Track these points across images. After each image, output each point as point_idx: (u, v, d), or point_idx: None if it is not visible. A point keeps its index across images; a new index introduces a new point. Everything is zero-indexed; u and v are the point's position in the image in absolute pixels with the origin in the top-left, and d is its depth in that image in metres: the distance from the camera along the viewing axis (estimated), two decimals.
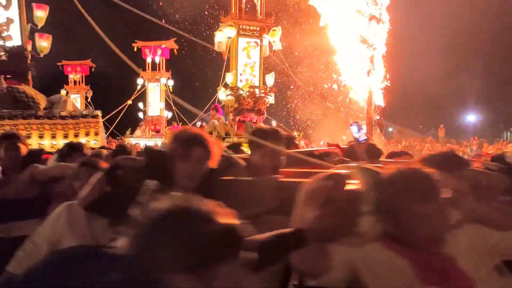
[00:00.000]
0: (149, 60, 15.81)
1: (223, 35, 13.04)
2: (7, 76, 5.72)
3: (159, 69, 16.36)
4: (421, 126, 22.20)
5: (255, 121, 12.74)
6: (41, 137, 5.42)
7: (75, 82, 17.55)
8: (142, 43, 16.21)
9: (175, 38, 16.21)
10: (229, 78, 13.01)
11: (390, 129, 18.07)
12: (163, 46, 16.11)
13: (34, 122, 5.29)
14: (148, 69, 16.09)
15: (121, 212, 1.75)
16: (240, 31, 13.01)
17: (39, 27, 6.64)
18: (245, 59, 13.29)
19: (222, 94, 13.20)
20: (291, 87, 14.20)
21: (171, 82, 16.35)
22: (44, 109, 5.81)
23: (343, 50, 11.88)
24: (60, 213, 2.26)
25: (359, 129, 3.19)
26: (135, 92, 16.89)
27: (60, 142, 5.59)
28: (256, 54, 13.32)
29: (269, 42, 13.32)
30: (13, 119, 5.12)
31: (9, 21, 6.42)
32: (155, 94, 16.05)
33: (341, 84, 12.46)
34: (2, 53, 5.94)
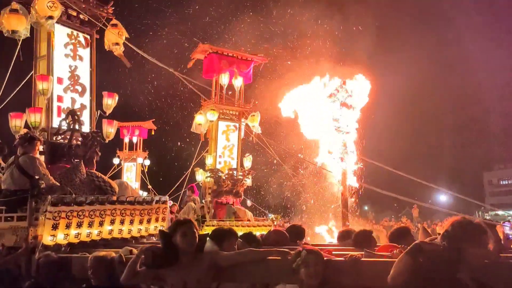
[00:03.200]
0: (126, 140, 15.98)
1: (203, 118, 13.63)
2: (76, 160, 5.91)
3: (136, 149, 16.51)
4: (395, 205, 23.19)
5: (232, 202, 12.94)
6: (112, 222, 5.49)
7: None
8: (121, 123, 15.98)
9: (153, 119, 16.71)
10: (208, 160, 13.38)
11: (366, 208, 18.87)
12: (141, 126, 16.51)
13: (109, 207, 5.37)
14: (125, 149, 16.20)
15: None
16: (220, 115, 13.65)
17: (107, 113, 6.95)
18: (224, 142, 13.67)
19: (200, 176, 13.45)
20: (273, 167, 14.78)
21: (147, 162, 16.49)
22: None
23: (317, 134, 12.75)
24: None
25: None
26: (111, 170, 16.26)
27: (127, 228, 5.72)
28: (234, 137, 13.79)
29: (248, 126, 14.04)
30: (92, 205, 5.19)
31: (83, 107, 6.79)
32: (131, 174, 16.05)
33: (317, 165, 13.16)
34: (79, 138, 6.16)
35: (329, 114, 12.93)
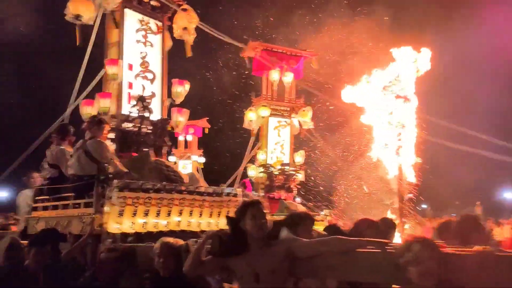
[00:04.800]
0: (181, 138, 16.11)
1: (254, 114, 13.54)
2: (144, 149, 5.81)
3: (190, 147, 16.68)
4: (457, 203, 22.05)
5: (283, 198, 12.84)
6: (180, 213, 5.32)
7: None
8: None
9: (207, 118, 16.70)
10: (261, 155, 13.28)
11: (425, 206, 18.08)
12: (196, 125, 16.38)
13: (177, 197, 5.22)
14: (180, 147, 16.48)
15: None
16: (272, 111, 13.54)
17: (177, 102, 6.86)
18: (276, 137, 13.71)
19: (253, 171, 13.38)
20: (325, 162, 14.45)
21: (202, 159, 16.63)
22: None
23: (373, 127, 12.26)
24: None
25: None
26: None
27: (196, 220, 5.51)
28: (286, 133, 13.79)
29: (299, 122, 13.83)
30: (159, 193, 5.05)
31: (153, 95, 6.72)
32: (186, 171, 16.21)
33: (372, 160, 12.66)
34: (148, 126, 6.08)
35: (383, 107, 12.37)
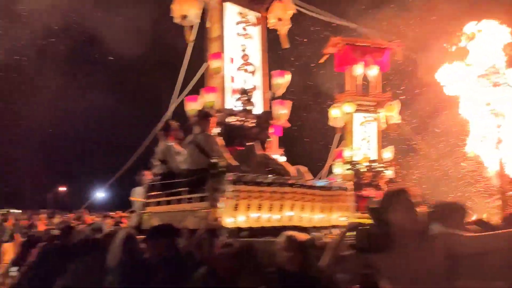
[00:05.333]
0: None
1: (339, 111, 13.19)
2: (248, 142, 5.77)
3: (270, 146, 16.74)
4: None
5: (373, 196, 12.32)
6: (292, 208, 5.24)
7: None
8: None
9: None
10: (347, 152, 12.89)
11: None
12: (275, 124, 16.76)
13: (289, 190, 5.14)
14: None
15: None
16: (357, 106, 13.12)
17: (278, 94, 6.82)
18: (362, 134, 13.30)
19: (339, 169, 13.02)
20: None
21: (283, 158, 16.60)
22: None
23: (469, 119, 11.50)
24: None
25: None
26: None
27: (308, 215, 5.35)
28: (372, 128, 13.33)
29: (386, 116, 13.29)
30: (271, 186, 4.98)
31: (254, 88, 6.76)
32: None
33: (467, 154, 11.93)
34: (251, 120, 6.07)
35: (480, 96, 11.44)
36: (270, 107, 6.69)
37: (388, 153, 13.24)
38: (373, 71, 13.47)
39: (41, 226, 9.05)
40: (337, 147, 13.46)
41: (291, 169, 5.81)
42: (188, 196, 5.33)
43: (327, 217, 5.57)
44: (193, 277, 4.02)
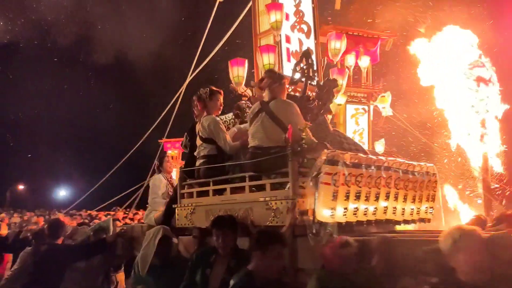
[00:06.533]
0: (169, 152, 18.94)
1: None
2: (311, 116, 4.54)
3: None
4: None
5: None
6: (387, 196, 4.06)
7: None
8: (166, 140, 19.45)
9: None
10: None
11: None
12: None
13: (384, 174, 3.98)
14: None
15: None
16: (348, 98, 12.41)
17: (335, 61, 5.57)
18: (354, 126, 12.71)
19: None
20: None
21: None
22: None
23: (452, 114, 11.35)
24: None
25: None
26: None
27: (400, 206, 4.21)
28: (364, 120, 12.78)
29: (378, 108, 12.78)
30: (369, 168, 3.85)
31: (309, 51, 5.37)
32: None
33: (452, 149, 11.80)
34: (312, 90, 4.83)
35: (464, 91, 11.31)
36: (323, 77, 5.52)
37: (380, 146, 12.66)
38: (365, 62, 12.93)
39: (3, 227, 7.54)
40: None
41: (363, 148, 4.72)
42: (256, 182, 4.04)
43: (416, 208, 4.49)
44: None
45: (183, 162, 5.00)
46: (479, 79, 11.13)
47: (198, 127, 4.64)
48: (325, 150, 3.70)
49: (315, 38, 5.41)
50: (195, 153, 4.60)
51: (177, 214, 4.58)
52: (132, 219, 11.78)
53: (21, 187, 32.34)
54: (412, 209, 4.42)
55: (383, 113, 12.79)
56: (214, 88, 4.65)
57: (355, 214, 3.83)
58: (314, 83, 5.09)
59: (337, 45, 5.50)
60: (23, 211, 18.82)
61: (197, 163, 4.54)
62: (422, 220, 4.56)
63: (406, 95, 13.36)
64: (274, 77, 4.10)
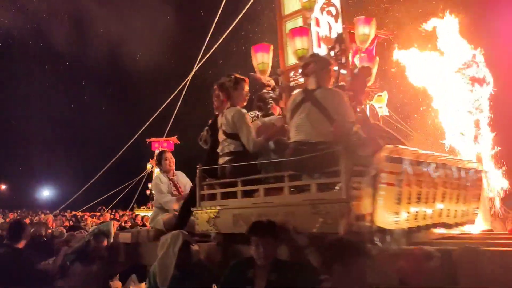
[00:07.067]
0: (157, 151, 19.09)
1: None
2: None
3: None
4: None
5: None
6: (443, 197, 3.58)
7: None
8: (153, 139, 21.72)
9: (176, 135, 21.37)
10: None
11: None
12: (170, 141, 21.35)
13: (442, 174, 3.54)
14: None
15: None
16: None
17: (364, 48, 5.03)
18: None
19: None
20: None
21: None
22: None
23: (445, 114, 11.15)
24: None
25: None
26: (141, 175, 21.94)
27: (446, 208, 3.70)
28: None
29: (374, 108, 12.44)
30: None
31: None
32: None
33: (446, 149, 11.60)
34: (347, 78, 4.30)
35: (457, 91, 11.12)
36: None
37: None
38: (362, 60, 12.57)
39: None
40: None
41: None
42: (301, 182, 3.46)
43: (461, 211, 4.01)
44: None
45: None
46: (473, 79, 10.95)
47: (220, 120, 4.03)
48: (386, 146, 3.15)
49: (343, 22, 4.88)
50: (219, 150, 3.98)
51: (197, 218, 3.95)
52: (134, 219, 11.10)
53: (3, 187, 31.32)
54: (463, 210, 3.95)
55: (379, 113, 12.51)
56: (238, 75, 4.06)
57: (416, 218, 3.31)
58: (345, 71, 4.56)
59: (366, 30, 4.99)
60: (5, 212, 17.79)
61: (221, 161, 3.92)
62: (459, 224, 4.08)
63: (403, 94, 13.07)
64: (321, 61, 3.54)
